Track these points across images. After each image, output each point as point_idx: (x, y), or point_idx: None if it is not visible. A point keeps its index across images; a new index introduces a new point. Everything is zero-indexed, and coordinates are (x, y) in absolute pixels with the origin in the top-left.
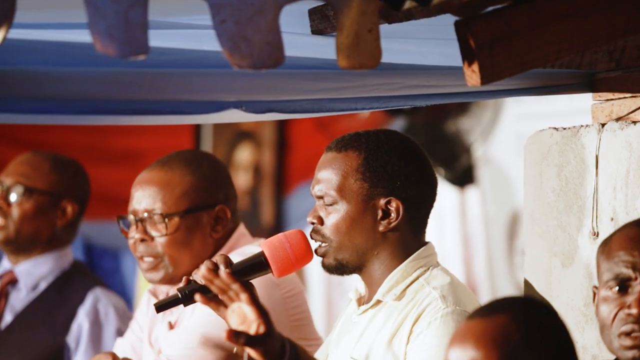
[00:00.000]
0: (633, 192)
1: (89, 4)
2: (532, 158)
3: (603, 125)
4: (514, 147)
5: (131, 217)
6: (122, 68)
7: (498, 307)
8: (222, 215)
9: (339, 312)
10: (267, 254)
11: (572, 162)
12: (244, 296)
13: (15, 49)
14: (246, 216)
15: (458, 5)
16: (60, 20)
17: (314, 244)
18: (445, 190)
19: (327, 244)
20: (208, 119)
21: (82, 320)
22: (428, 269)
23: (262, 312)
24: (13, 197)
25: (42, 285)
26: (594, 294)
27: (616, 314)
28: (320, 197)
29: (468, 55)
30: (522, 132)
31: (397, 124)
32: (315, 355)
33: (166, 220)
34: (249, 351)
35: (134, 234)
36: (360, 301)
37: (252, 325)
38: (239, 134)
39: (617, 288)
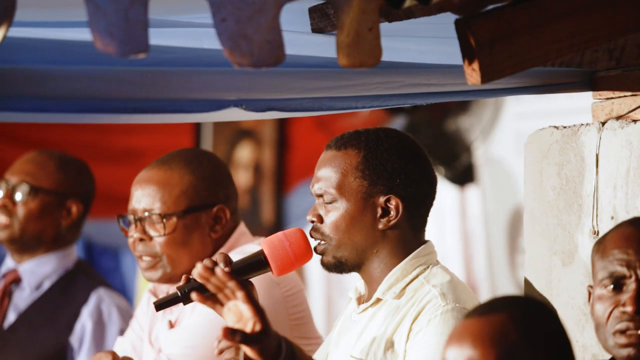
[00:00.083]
0: (633, 190)
1: (89, 2)
2: (533, 157)
3: (603, 123)
4: (514, 146)
5: (131, 216)
6: (123, 67)
7: (495, 306)
8: (221, 215)
9: (339, 310)
10: (266, 252)
11: (572, 161)
12: (240, 294)
13: (16, 47)
14: (246, 215)
15: (458, 4)
16: (61, 19)
17: (313, 243)
18: (445, 189)
19: (326, 241)
20: (208, 118)
21: (85, 321)
22: (428, 267)
23: (258, 310)
24: (18, 196)
25: (46, 285)
26: (589, 294)
27: (611, 312)
28: (320, 195)
29: (468, 54)
30: (523, 131)
31: (398, 123)
32: (315, 355)
33: (164, 220)
34: (245, 349)
35: (133, 233)
36: (360, 300)
37: (248, 323)
38: (239, 133)
39: (612, 286)
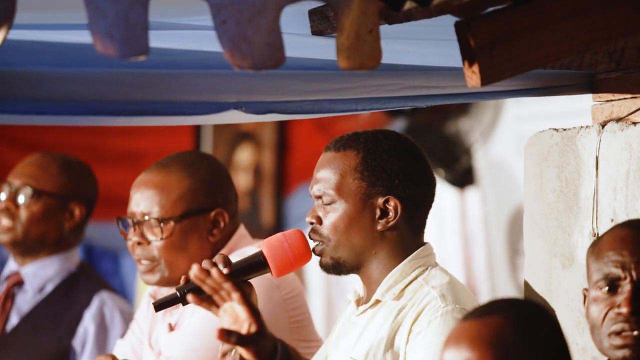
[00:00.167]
0: (633, 193)
1: (89, 4)
2: (532, 159)
3: (603, 126)
4: (514, 148)
5: (129, 220)
6: (122, 69)
7: (493, 308)
8: (219, 219)
9: (338, 312)
10: (265, 253)
11: (572, 163)
12: (235, 295)
13: (13, 50)
14: (246, 217)
15: (458, 6)
16: (59, 21)
17: (312, 244)
18: (445, 191)
19: (324, 243)
20: (208, 120)
21: (88, 324)
22: (427, 268)
23: (254, 312)
24: (21, 198)
25: (49, 288)
26: (584, 296)
27: (606, 314)
28: (319, 197)
29: (468, 56)
30: (522, 133)
31: (397, 125)
32: (315, 357)
33: (162, 224)
34: (241, 351)
35: (132, 236)
36: (359, 302)
37: (243, 324)
38: (239, 135)
39: (606, 288)
